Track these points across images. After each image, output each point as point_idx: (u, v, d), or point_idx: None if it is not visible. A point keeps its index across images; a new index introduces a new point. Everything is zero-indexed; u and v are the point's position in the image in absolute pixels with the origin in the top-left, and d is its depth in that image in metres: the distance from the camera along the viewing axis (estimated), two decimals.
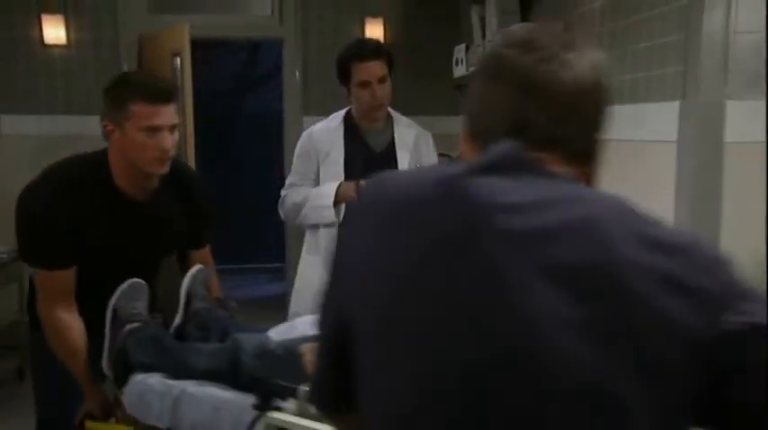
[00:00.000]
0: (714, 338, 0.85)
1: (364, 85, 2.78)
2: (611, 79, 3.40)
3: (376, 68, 2.78)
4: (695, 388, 0.85)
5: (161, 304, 2.37)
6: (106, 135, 2.15)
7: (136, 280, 2.13)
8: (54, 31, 4.95)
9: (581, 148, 1.02)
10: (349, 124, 2.92)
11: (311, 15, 5.16)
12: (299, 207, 2.93)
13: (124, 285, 2.10)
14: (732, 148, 2.56)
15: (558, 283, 0.86)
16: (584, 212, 0.91)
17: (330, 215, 2.82)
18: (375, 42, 2.98)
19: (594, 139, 1.03)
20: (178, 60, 4.34)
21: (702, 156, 2.60)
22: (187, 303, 2.18)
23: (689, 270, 0.87)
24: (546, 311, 0.85)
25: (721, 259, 0.91)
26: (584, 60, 1.01)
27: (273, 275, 5.62)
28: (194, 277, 2.25)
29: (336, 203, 2.81)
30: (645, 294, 0.85)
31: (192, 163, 4.28)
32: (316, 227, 2.95)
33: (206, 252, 2.54)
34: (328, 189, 2.83)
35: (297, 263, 5.25)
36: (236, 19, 5.30)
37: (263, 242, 5.93)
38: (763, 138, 2.40)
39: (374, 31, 5.15)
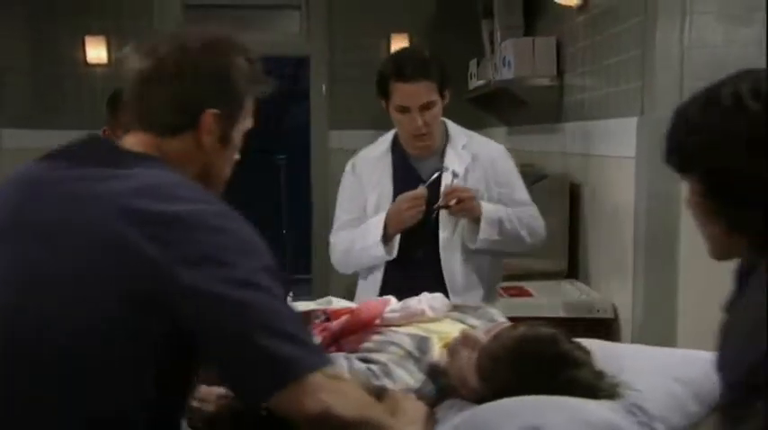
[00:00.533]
0: (166, 295, 1.08)
1: (403, 110, 2.26)
2: (593, 94, 3.36)
3: (418, 92, 2.23)
4: (157, 330, 1.10)
5: None
6: None
7: None
8: (96, 52, 5.24)
9: (166, 130, 1.26)
10: (397, 149, 2.43)
11: (338, 31, 5.29)
12: (347, 255, 2.43)
13: None
14: None
15: (34, 238, 1.14)
16: (105, 188, 1.15)
17: (380, 252, 2.32)
18: (421, 58, 2.29)
19: (191, 117, 1.25)
20: None
21: (658, 171, 2.58)
22: None
23: (152, 238, 1.09)
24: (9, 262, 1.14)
25: (207, 232, 1.13)
26: (175, 59, 1.25)
27: (299, 287, 5.76)
28: None
29: (388, 237, 2.31)
30: (98, 253, 1.10)
31: None
32: (369, 271, 2.44)
33: None
34: (374, 223, 2.32)
35: (323, 274, 5.43)
36: (266, 36, 5.48)
37: (290, 252, 6.09)
38: None
39: (399, 46, 5.23)
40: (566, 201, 3.29)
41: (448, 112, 2.63)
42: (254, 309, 1.12)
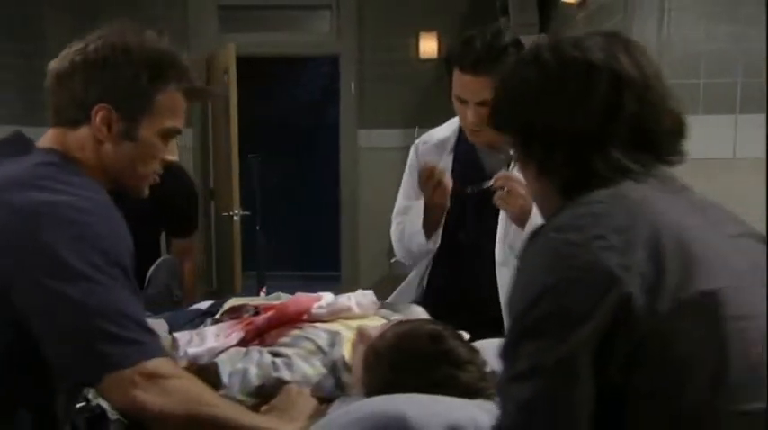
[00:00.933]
0: (9, 281, 1.19)
1: (461, 101, 2.01)
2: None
3: (478, 86, 1.94)
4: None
5: None
6: None
7: None
8: None
9: (67, 123, 1.37)
10: (463, 135, 2.16)
11: (367, 30, 5.33)
12: (401, 244, 2.23)
13: None
14: None
15: None
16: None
17: (420, 240, 2.12)
18: (494, 48, 1.92)
19: (82, 111, 1.35)
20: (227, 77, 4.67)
21: None
22: (147, 287, 2.45)
23: (7, 226, 1.21)
24: None
25: (55, 223, 1.21)
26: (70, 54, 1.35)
27: (329, 284, 5.82)
28: (158, 265, 2.51)
29: (431, 225, 2.10)
30: None
31: (235, 170, 4.57)
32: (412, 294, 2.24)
33: (182, 243, 2.90)
34: (417, 209, 2.13)
35: (352, 271, 5.48)
36: (298, 37, 5.57)
37: (320, 249, 6.16)
38: (766, 154, 2.32)
39: (428, 44, 5.25)
40: None
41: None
42: (80, 303, 1.19)
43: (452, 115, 2.19)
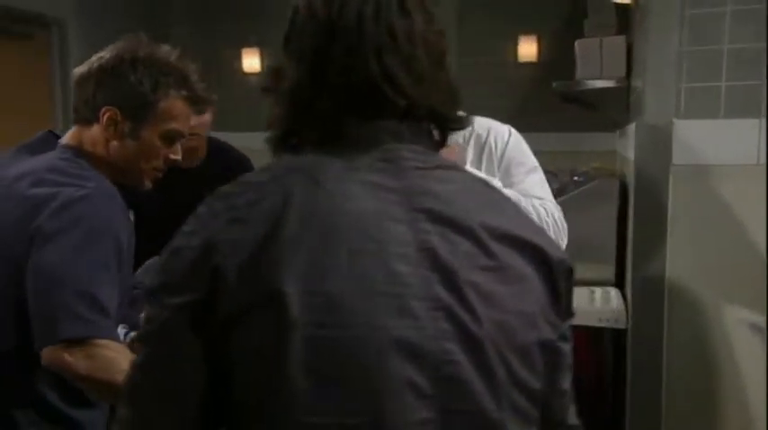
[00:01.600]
0: (21, 259, 1.41)
1: None
2: (637, 95, 3.24)
3: None
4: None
5: None
6: None
7: None
8: (251, 61, 5.77)
9: (82, 122, 1.58)
10: None
11: (467, 32, 5.32)
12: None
13: None
14: (679, 170, 2.39)
15: None
16: (6, 173, 1.51)
17: None
18: None
19: (93, 111, 1.56)
20: None
21: (651, 175, 2.46)
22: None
23: (20, 218, 1.43)
24: None
25: (53, 211, 1.42)
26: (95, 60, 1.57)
27: None
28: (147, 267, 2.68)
29: None
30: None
31: None
32: None
33: None
34: None
35: None
36: None
37: None
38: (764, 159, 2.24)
39: (527, 48, 5.19)
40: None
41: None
42: (60, 278, 1.38)
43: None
